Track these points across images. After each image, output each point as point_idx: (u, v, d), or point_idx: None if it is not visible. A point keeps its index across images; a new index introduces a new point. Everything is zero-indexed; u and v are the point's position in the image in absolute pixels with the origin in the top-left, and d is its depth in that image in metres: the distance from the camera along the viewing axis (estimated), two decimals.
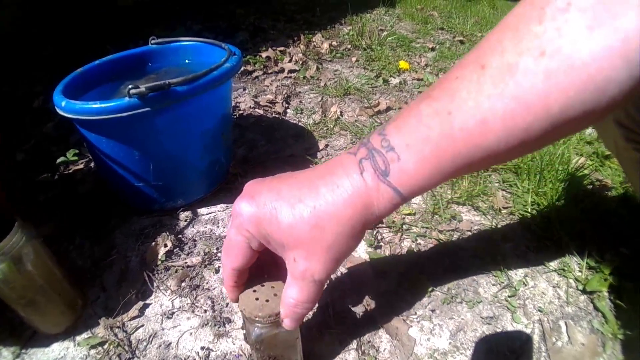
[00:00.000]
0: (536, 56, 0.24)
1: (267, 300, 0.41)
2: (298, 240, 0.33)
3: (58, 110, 0.63)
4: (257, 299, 0.41)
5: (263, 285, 0.43)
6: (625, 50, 0.22)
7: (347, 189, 0.32)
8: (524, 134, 0.26)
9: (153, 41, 0.86)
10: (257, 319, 0.40)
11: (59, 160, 0.93)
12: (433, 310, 0.61)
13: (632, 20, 0.22)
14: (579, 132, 0.26)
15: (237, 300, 0.43)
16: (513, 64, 0.25)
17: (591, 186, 0.89)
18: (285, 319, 0.39)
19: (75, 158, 0.94)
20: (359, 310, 0.61)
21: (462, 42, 1.95)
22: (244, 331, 0.57)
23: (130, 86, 0.57)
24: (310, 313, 0.60)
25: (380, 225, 0.77)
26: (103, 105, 0.58)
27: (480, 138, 0.27)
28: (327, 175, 0.34)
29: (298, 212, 0.33)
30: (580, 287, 0.65)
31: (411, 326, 0.59)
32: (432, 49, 1.79)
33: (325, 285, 0.43)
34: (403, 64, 1.51)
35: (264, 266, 0.43)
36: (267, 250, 0.39)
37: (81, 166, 0.94)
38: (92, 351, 0.56)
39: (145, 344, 0.57)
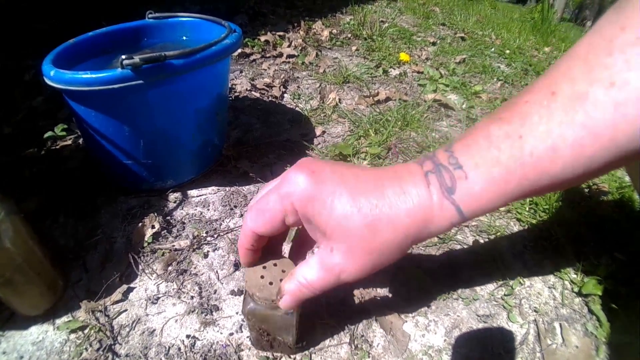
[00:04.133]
0: (606, 87, 0.25)
1: (270, 283, 0.40)
2: (345, 234, 0.32)
3: (46, 81, 0.60)
4: (262, 276, 0.41)
5: (275, 265, 0.42)
6: None
7: (413, 198, 0.31)
8: (589, 162, 0.26)
9: (150, 15, 0.83)
10: (253, 296, 0.40)
11: (46, 135, 0.89)
12: (429, 306, 0.60)
13: None
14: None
15: (248, 265, 0.42)
16: (583, 93, 0.26)
17: (588, 190, 0.88)
18: (286, 295, 0.37)
19: (64, 133, 0.91)
20: (353, 302, 0.59)
21: (463, 38, 1.93)
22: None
23: (123, 57, 0.54)
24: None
25: None
26: (94, 75, 0.55)
27: (549, 164, 0.27)
28: (395, 179, 0.32)
29: (357, 204, 0.31)
30: (576, 290, 0.65)
31: (406, 321, 0.57)
32: (433, 44, 1.77)
33: None
34: (403, 56, 1.49)
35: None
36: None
37: (69, 142, 0.90)
38: (72, 336, 0.53)
39: (127, 329, 0.55)
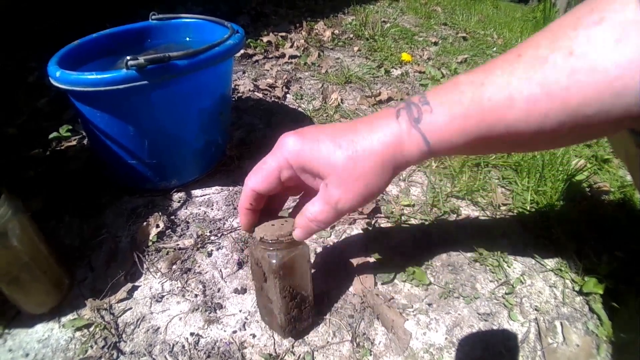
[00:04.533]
0: (565, 54, 0.28)
1: (282, 224, 0.47)
2: (333, 168, 0.38)
3: (52, 81, 0.61)
4: (273, 225, 0.47)
5: (276, 219, 0.48)
6: None
7: (383, 130, 0.36)
8: (542, 118, 0.30)
9: (154, 17, 0.84)
10: (279, 238, 0.45)
11: (51, 136, 0.90)
12: (430, 304, 0.60)
13: None
14: (593, 138, 0.31)
15: (247, 227, 0.48)
16: (545, 57, 0.29)
17: (589, 189, 0.88)
18: (298, 228, 0.44)
19: (68, 134, 0.91)
20: (354, 300, 0.60)
21: (465, 38, 1.93)
22: (254, 281, 0.56)
23: (128, 57, 0.54)
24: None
25: (378, 215, 0.75)
26: (99, 76, 0.56)
27: (504, 111, 0.31)
28: (367, 120, 0.38)
29: (338, 144, 0.37)
30: (577, 288, 0.65)
31: (407, 319, 0.58)
32: (435, 44, 1.77)
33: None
34: (405, 56, 1.49)
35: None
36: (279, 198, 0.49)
37: (74, 143, 0.91)
38: (78, 333, 0.54)
39: (132, 327, 0.55)
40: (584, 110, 0.28)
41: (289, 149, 0.40)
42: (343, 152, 0.37)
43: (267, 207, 0.49)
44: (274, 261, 0.46)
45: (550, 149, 0.37)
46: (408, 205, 0.78)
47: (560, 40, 0.29)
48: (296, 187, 0.48)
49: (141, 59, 0.55)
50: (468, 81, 0.33)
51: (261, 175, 0.42)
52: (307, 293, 0.52)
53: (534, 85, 0.29)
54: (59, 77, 0.59)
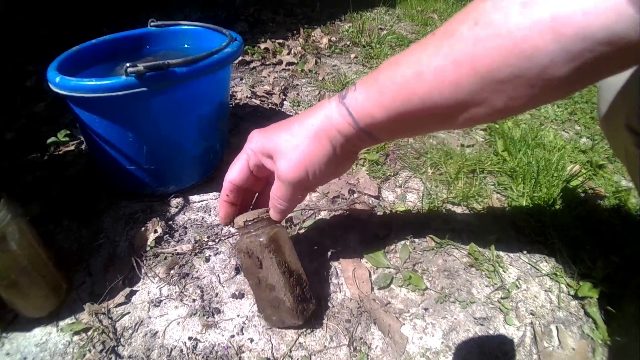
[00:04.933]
0: (471, 25, 0.29)
1: (255, 210, 0.53)
2: (277, 146, 0.45)
3: (51, 87, 0.61)
4: (248, 213, 0.53)
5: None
6: (555, 25, 0.25)
7: (317, 109, 0.43)
8: (454, 88, 0.31)
9: (152, 23, 0.84)
10: (260, 215, 0.52)
11: (49, 141, 0.91)
12: (426, 309, 0.60)
13: (567, 1, 0.25)
14: (531, 105, 0.30)
15: (224, 219, 0.54)
16: (452, 31, 0.31)
17: (584, 194, 0.89)
18: (270, 208, 0.52)
19: (66, 139, 0.92)
20: (351, 305, 0.60)
21: None
22: (250, 281, 0.56)
23: (128, 64, 0.55)
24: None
25: (374, 220, 0.76)
26: (99, 82, 0.56)
27: (415, 85, 0.33)
28: (310, 108, 0.45)
29: (282, 127, 0.45)
30: (572, 293, 0.65)
31: (404, 324, 0.58)
32: None
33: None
34: None
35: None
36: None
37: (72, 147, 0.91)
38: (76, 337, 0.54)
39: (130, 332, 0.55)
40: (496, 75, 0.29)
41: (254, 141, 0.48)
42: (284, 132, 0.44)
43: (256, 206, 0.57)
44: (262, 238, 0.51)
45: (493, 120, 0.40)
46: (404, 211, 0.79)
47: (471, 13, 0.30)
48: (269, 181, 0.54)
49: (140, 66, 0.55)
50: (388, 63, 0.37)
51: (234, 168, 0.51)
52: (300, 271, 0.55)
53: (441, 57, 0.31)
54: (59, 82, 0.59)
